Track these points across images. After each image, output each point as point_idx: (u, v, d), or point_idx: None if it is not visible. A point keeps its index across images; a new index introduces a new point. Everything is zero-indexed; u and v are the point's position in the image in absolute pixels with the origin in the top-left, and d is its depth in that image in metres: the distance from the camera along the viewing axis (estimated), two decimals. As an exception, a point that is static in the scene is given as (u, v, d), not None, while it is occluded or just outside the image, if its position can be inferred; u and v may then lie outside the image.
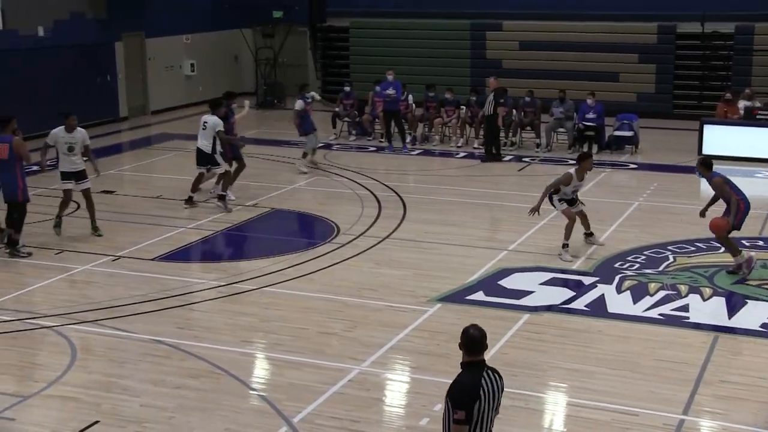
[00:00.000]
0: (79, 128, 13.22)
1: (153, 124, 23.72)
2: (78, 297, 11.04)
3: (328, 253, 12.66)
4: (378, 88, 21.05)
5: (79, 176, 13.33)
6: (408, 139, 20.32)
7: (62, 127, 13.12)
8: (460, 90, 21.08)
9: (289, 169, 18.07)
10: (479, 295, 11.02)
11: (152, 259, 12.46)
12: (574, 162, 13.08)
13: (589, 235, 12.87)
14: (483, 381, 5.19)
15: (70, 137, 13.11)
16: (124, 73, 23.89)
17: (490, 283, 11.40)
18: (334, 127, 21.61)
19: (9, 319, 10.29)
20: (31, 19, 20.86)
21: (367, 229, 13.80)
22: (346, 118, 21.60)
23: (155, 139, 21.86)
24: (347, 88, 21.86)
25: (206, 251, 13.12)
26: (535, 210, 12.22)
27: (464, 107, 20.55)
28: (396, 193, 16.03)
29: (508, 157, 19.31)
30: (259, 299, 10.93)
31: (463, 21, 25.08)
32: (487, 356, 5.52)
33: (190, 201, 15.04)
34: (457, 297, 10.98)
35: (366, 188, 16.46)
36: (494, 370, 5.35)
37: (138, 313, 10.42)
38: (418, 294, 11.05)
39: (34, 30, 21.09)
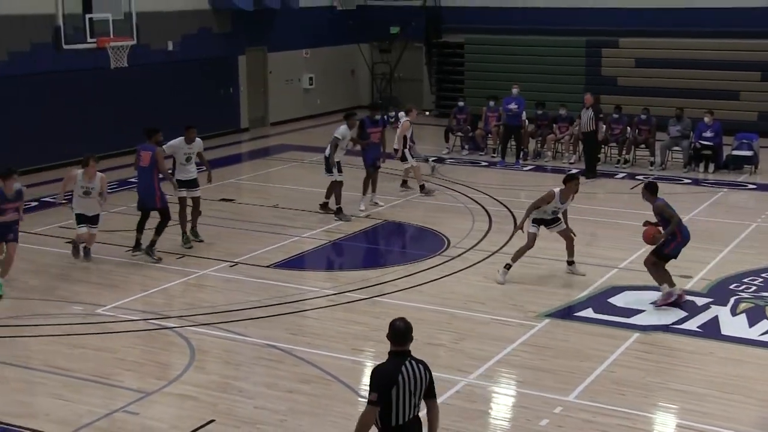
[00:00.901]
0: (197, 138, 13.54)
1: (272, 135, 24.23)
2: (197, 300, 11.34)
3: (438, 265, 12.68)
4: (491, 104, 21.06)
5: (192, 184, 13.62)
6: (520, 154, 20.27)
7: (182, 138, 13.38)
8: (573, 107, 20.86)
9: (400, 180, 18.21)
10: (588, 312, 10.86)
11: (268, 266, 12.66)
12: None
13: (570, 263, 12.26)
14: (404, 368, 5.62)
15: (189, 148, 13.43)
16: (246, 85, 24.46)
17: (600, 301, 11.22)
18: (447, 141, 21.65)
19: (135, 318, 10.69)
20: (162, 34, 21.62)
21: (477, 243, 13.76)
22: (459, 133, 21.62)
23: (274, 149, 22.30)
24: (461, 103, 21.92)
25: (320, 260, 13.31)
26: (519, 228, 12.04)
27: (575, 122, 20.27)
28: (507, 207, 15.94)
29: (620, 175, 18.96)
30: (370, 309, 11.02)
31: (579, 38, 24.74)
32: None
33: (325, 207, 15.32)
34: (566, 313, 10.85)
35: (477, 202, 16.41)
36: (419, 361, 5.74)
37: (253, 318, 10.65)
38: (527, 309, 10.97)
39: (165, 44, 21.87)
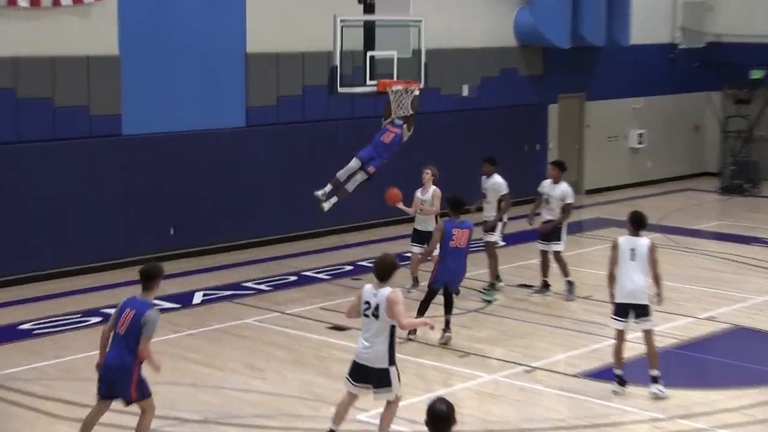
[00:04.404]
0: (495, 176, 15.93)
1: (587, 206, 23.98)
2: (484, 413, 11.28)
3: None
4: None
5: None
6: None
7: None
8: None
9: (760, 274, 17.26)
10: None
11: (575, 375, 12.51)
12: None
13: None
14: None
15: (483, 183, 16.21)
16: (557, 141, 24.56)
17: None
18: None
19: (403, 430, 10.65)
20: (456, 77, 22.15)
21: None
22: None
23: (588, 224, 22.06)
24: None
25: (641, 371, 12.78)
26: None
27: None
28: None
29: None
30: (710, 443, 10.41)
31: None
32: None
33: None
34: None
35: None
36: None
37: (553, 442, 10.43)
38: None
39: (458, 89, 22.39)
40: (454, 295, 13.93)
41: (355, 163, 15.82)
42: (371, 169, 15.83)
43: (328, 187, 15.69)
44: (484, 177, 16.21)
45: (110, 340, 9.48)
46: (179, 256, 18.08)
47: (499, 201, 16.07)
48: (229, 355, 13.31)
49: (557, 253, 16.08)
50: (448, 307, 13.80)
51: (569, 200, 16.00)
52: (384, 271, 9.72)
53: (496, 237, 16.13)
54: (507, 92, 23.33)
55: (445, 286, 13.83)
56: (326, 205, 15.65)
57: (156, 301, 9.88)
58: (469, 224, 13.83)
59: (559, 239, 16.02)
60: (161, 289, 10.00)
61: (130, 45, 17.65)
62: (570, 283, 16.07)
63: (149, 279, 9.59)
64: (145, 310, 9.35)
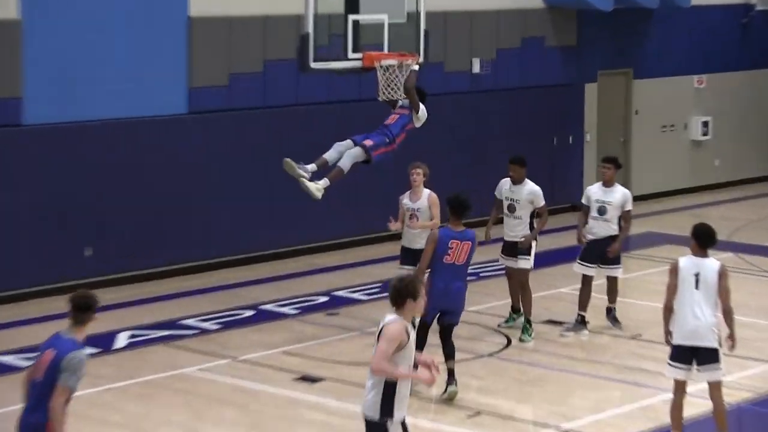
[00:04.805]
0: (528, 182, 15.72)
1: (634, 218, 23.83)
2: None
3: None
4: None
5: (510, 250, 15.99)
6: None
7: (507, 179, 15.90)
8: None
9: None
10: None
11: (617, 440, 12.55)
12: None
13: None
14: None
15: (509, 192, 15.83)
16: (596, 132, 24.54)
17: None
18: None
19: None
20: (466, 48, 22.09)
21: None
22: None
23: (637, 241, 22.00)
24: None
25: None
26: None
27: None
28: None
29: None
30: None
31: None
32: None
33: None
34: None
35: None
36: None
37: None
38: None
39: (468, 64, 22.31)
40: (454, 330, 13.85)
41: (347, 142, 15.69)
42: (368, 143, 15.66)
43: (312, 166, 15.45)
44: (509, 183, 16.08)
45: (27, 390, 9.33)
46: (98, 284, 17.69)
47: (534, 215, 16.00)
48: (163, 416, 13.18)
49: (614, 280, 16.20)
50: (449, 349, 13.69)
51: (629, 207, 16.17)
52: (393, 294, 9.50)
53: (530, 262, 16.04)
54: (531, 68, 23.33)
55: (440, 317, 13.74)
56: (316, 191, 15.31)
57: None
58: (472, 235, 13.82)
59: (619, 262, 16.17)
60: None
61: (34, 6, 17.51)
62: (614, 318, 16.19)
63: (81, 310, 9.33)
64: (67, 350, 9.15)
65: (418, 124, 16.10)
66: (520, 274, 15.98)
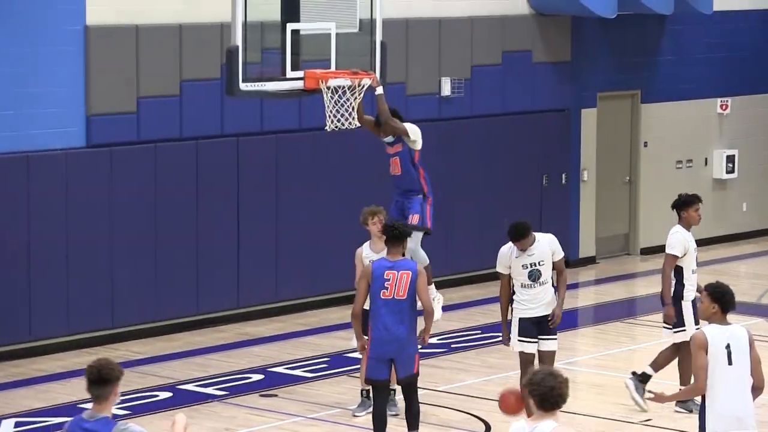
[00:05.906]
0: (538, 237, 15.31)
1: (640, 275, 24.10)
2: None
3: None
4: None
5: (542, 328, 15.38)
6: None
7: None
8: None
9: None
10: None
11: None
12: None
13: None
14: None
15: (526, 257, 15.21)
16: (595, 170, 24.62)
17: None
18: None
19: None
20: (433, 65, 22.09)
21: None
22: None
23: (645, 304, 22.12)
24: None
25: None
26: None
27: None
28: None
29: None
30: None
31: None
32: None
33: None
34: None
35: None
36: None
37: None
38: None
39: (436, 84, 22.31)
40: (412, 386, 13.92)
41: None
42: (414, 219, 15.69)
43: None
44: (516, 249, 15.41)
45: None
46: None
47: (556, 271, 15.56)
48: None
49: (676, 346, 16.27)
50: (412, 412, 13.86)
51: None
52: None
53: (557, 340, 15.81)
54: (514, 90, 23.40)
55: (391, 369, 13.83)
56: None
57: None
58: (412, 264, 13.91)
59: (683, 323, 16.17)
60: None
61: None
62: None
63: (100, 384, 9.30)
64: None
65: (419, 146, 16.00)
66: (548, 359, 15.39)
